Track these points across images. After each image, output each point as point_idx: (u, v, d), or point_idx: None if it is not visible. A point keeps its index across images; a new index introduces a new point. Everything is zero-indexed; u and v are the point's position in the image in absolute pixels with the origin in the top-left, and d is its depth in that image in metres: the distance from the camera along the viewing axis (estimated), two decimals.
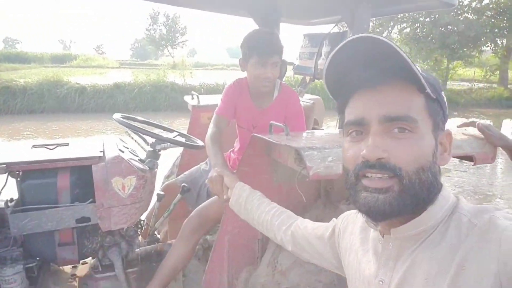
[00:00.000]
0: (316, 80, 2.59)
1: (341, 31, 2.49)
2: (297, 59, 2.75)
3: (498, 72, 22.69)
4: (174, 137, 2.22)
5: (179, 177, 2.47)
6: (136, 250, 2.13)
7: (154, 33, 46.02)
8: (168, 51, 45.96)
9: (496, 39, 20.88)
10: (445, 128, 0.78)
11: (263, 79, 2.00)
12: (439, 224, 0.72)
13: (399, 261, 0.76)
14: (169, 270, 1.99)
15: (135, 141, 2.31)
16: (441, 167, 0.78)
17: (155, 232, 2.35)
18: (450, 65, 21.46)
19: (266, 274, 1.53)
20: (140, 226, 2.22)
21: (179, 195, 2.26)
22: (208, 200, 2.07)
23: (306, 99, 2.86)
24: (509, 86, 21.47)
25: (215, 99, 2.97)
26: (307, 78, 2.92)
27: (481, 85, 21.95)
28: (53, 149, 1.97)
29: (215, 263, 1.84)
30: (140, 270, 2.15)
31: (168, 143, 2.10)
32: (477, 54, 21.19)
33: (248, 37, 2.03)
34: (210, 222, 2.03)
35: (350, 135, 0.76)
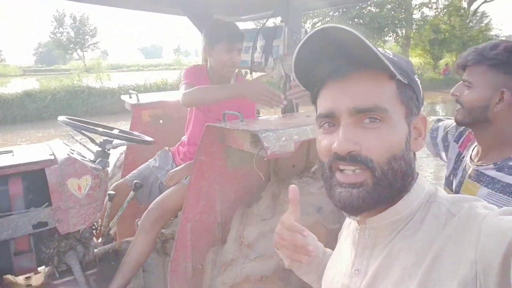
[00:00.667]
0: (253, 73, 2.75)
1: (272, 25, 2.67)
2: None
3: None
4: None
5: (127, 176, 2.48)
6: (95, 251, 2.12)
7: (61, 36, 42.99)
8: (78, 54, 43.24)
9: (397, 29, 22.97)
10: (420, 112, 0.77)
11: (230, 64, 2.15)
12: (415, 213, 0.72)
13: (375, 250, 0.76)
14: (132, 265, 2.02)
15: (80, 143, 2.28)
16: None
17: (110, 232, 2.35)
18: None
19: (234, 250, 1.66)
20: (94, 227, 2.21)
21: (132, 192, 2.29)
22: (165, 193, 2.13)
23: None
24: None
25: (155, 97, 3.02)
26: (243, 71, 3.08)
27: None
28: None
29: (179, 251, 1.92)
30: (99, 270, 2.15)
31: (119, 141, 2.12)
32: (381, 44, 23.16)
33: (213, 26, 2.18)
34: (169, 213, 2.10)
35: (323, 127, 0.75)
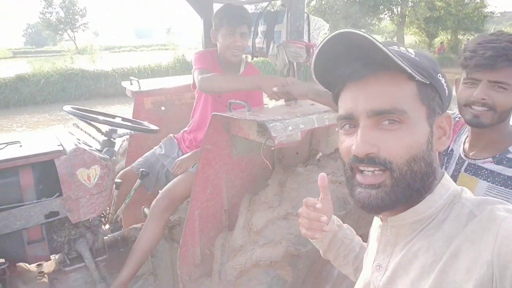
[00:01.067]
0: (254, 58, 2.75)
1: (274, 9, 2.66)
2: None
3: (395, 38, 24.85)
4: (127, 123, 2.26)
5: (134, 163, 2.51)
6: (105, 238, 2.17)
7: (50, 16, 42.05)
8: (69, 35, 42.42)
9: (392, 7, 22.73)
10: (445, 111, 0.76)
11: (233, 48, 2.18)
12: (438, 213, 0.72)
13: (396, 248, 0.77)
14: (142, 252, 2.07)
15: (85, 132, 2.30)
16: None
17: (117, 220, 2.39)
18: None
19: (243, 236, 1.71)
20: (103, 215, 2.25)
21: (138, 180, 2.32)
22: (173, 181, 2.17)
23: None
24: None
25: (156, 83, 3.02)
26: (244, 57, 3.08)
27: None
28: (3, 148, 1.91)
29: (188, 237, 1.97)
30: (108, 257, 2.20)
31: (124, 131, 2.14)
32: (377, 22, 22.98)
33: (219, 10, 2.21)
34: (178, 201, 2.15)
35: (344, 127, 0.76)
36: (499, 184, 1.23)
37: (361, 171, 0.73)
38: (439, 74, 0.73)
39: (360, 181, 0.73)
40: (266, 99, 2.17)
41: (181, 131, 2.58)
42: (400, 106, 0.69)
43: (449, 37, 24.73)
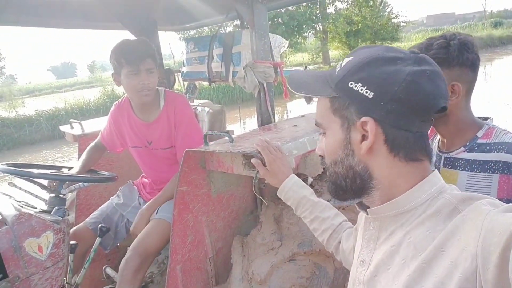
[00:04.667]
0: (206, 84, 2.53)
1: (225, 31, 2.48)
2: (184, 66, 2.65)
3: (321, 53, 25.98)
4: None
5: (87, 219, 2.14)
6: None
7: None
8: None
9: (314, 25, 23.79)
10: (369, 115, 0.73)
11: (140, 89, 1.87)
12: (419, 208, 0.73)
13: (379, 242, 0.79)
14: None
15: (25, 190, 1.92)
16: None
17: None
18: (282, 54, 23.65)
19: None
20: (62, 287, 1.86)
21: (98, 239, 1.97)
22: (142, 234, 1.84)
23: (200, 105, 2.78)
24: (332, 63, 24.76)
25: (99, 124, 2.68)
26: (196, 84, 2.85)
27: (310, 67, 24.81)
28: None
29: None
30: None
31: (78, 184, 1.80)
32: (302, 41, 23.85)
33: (114, 48, 1.88)
34: (151, 256, 1.82)
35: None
36: (477, 171, 1.26)
37: None
38: (351, 82, 0.74)
39: None
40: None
41: (140, 176, 2.28)
42: (319, 120, 0.83)
43: None
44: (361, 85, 0.73)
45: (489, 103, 10.18)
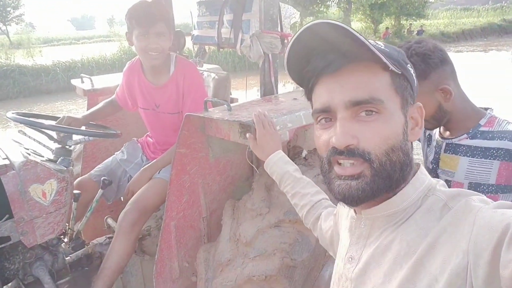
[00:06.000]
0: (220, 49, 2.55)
1: None
2: (194, 29, 2.66)
3: None
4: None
5: (92, 171, 2.24)
6: (66, 258, 1.92)
7: None
8: (1, 29, 39.30)
9: None
10: (415, 102, 0.77)
11: (149, 51, 1.90)
12: (412, 206, 0.72)
13: (370, 239, 0.77)
14: (112, 271, 1.85)
15: (34, 139, 2.01)
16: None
17: (79, 236, 2.13)
18: (303, 22, 23.10)
19: (230, 249, 1.54)
20: (63, 232, 1.99)
21: (100, 190, 2.07)
22: (142, 190, 1.94)
23: (207, 69, 2.81)
24: None
25: (110, 80, 2.73)
26: (206, 48, 2.86)
27: None
28: None
29: (164, 251, 1.79)
30: (72, 279, 1.95)
31: (81, 136, 1.89)
32: (324, 10, 23.21)
33: (129, 9, 1.90)
34: (149, 212, 1.93)
35: (320, 122, 0.76)
36: (478, 157, 1.31)
37: (339, 164, 0.72)
38: (409, 65, 0.74)
39: (339, 173, 0.72)
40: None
41: (145, 135, 2.35)
42: (377, 96, 0.69)
43: (393, 23, 25.53)
44: (413, 71, 0.75)
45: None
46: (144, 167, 2.06)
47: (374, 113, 0.69)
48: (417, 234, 0.68)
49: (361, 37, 0.64)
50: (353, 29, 0.65)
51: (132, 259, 2.14)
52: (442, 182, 0.75)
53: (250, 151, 1.55)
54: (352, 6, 24.40)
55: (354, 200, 0.71)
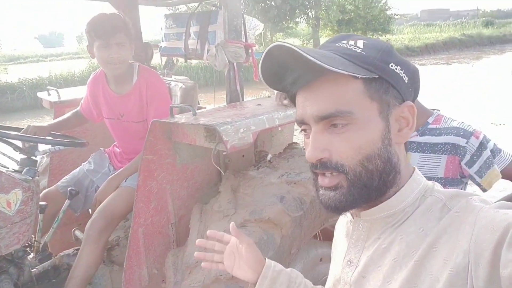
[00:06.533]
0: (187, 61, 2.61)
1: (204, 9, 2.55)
2: (162, 41, 2.71)
3: (312, 40, 26.01)
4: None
5: (59, 182, 2.23)
6: (33, 270, 1.89)
7: None
8: None
9: (307, 11, 23.69)
10: (405, 100, 0.73)
11: (110, 61, 1.96)
12: (410, 207, 0.72)
13: (368, 242, 0.76)
14: (80, 280, 1.84)
15: None
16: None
17: (46, 248, 2.10)
18: (273, 38, 23.51)
19: (198, 251, 1.57)
20: (28, 244, 1.96)
21: (67, 201, 2.07)
22: (109, 198, 1.95)
23: (174, 78, 2.86)
24: None
25: (76, 93, 2.74)
26: (174, 59, 2.92)
27: None
28: None
29: (132, 258, 1.79)
30: None
31: (47, 146, 1.89)
32: (294, 26, 23.80)
33: (88, 22, 1.96)
34: (116, 220, 1.94)
35: (302, 132, 0.76)
36: (428, 152, 1.41)
37: (322, 174, 0.72)
38: (391, 64, 0.70)
39: (320, 184, 0.73)
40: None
41: (112, 145, 2.37)
42: (344, 108, 0.67)
43: None
44: (399, 68, 0.71)
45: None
46: (111, 176, 2.07)
47: (345, 125, 0.68)
48: (416, 235, 0.68)
49: (312, 58, 0.62)
50: (303, 50, 0.64)
51: (101, 270, 2.13)
52: (437, 183, 0.76)
53: (215, 153, 1.60)
54: (321, 22, 25.11)
55: (333, 209, 0.72)
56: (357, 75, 0.65)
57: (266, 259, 1.03)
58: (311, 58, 0.62)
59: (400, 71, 0.71)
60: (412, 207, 0.72)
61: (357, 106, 0.67)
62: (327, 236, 2.30)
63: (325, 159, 0.69)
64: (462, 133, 1.39)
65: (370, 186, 0.69)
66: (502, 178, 1.42)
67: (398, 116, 0.72)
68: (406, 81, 0.72)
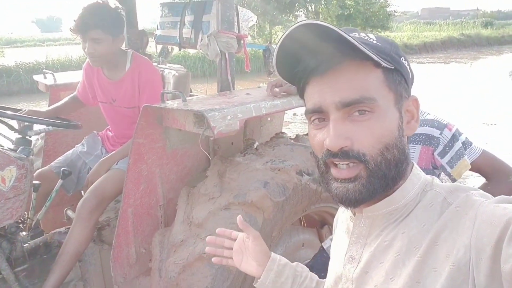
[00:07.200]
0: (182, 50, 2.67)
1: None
2: (157, 29, 2.76)
3: None
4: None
5: (53, 163, 2.30)
6: (24, 245, 1.96)
7: None
8: None
9: (307, 5, 23.66)
10: (410, 94, 0.76)
11: (87, 55, 2.04)
12: (412, 201, 0.72)
13: (370, 238, 0.76)
14: (70, 256, 1.91)
15: None
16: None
17: (38, 225, 2.17)
18: (272, 30, 23.48)
19: (183, 230, 1.65)
20: (21, 220, 2.03)
21: (60, 181, 2.13)
22: (101, 179, 2.02)
23: (168, 66, 2.91)
24: None
25: (73, 77, 2.79)
26: (169, 48, 2.97)
27: None
28: None
29: (121, 237, 1.86)
30: (29, 266, 1.99)
31: (41, 127, 1.95)
32: (293, 19, 23.76)
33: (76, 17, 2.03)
34: (107, 200, 2.01)
35: (313, 122, 0.74)
36: None
37: (336, 165, 0.71)
38: (402, 58, 0.72)
39: (335, 176, 0.71)
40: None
41: (105, 129, 2.43)
42: (369, 95, 0.67)
43: None
44: (407, 63, 0.73)
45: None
46: (103, 158, 2.14)
47: (367, 112, 0.68)
48: (418, 230, 0.68)
49: (349, 37, 0.63)
50: (340, 29, 0.64)
51: (90, 249, 2.20)
52: (436, 178, 0.76)
53: (205, 140, 1.66)
54: (320, 16, 25.06)
55: (352, 202, 0.70)
56: (383, 63, 0.66)
57: (272, 252, 1.05)
58: (353, 40, 0.63)
59: (407, 66, 0.74)
60: (413, 202, 0.72)
61: (379, 94, 0.68)
62: (311, 223, 2.39)
63: (347, 147, 0.68)
64: (436, 124, 1.48)
65: (388, 176, 0.69)
66: (471, 170, 1.50)
67: (406, 109, 0.74)
68: (411, 77, 0.75)
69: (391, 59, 0.69)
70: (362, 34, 0.71)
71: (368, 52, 0.64)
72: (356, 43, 0.63)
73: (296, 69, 0.75)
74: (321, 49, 0.69)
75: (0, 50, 17.69)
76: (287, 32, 0.69)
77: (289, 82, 0.80)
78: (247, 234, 1.03)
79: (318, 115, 0.72)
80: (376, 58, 0.65)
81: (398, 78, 0.71)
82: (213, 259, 1.11)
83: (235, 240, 1.09)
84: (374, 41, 0.71)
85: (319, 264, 1.72)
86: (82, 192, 2.48)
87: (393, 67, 0.69)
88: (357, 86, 0.67)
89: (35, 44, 35.51)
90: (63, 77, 2.75)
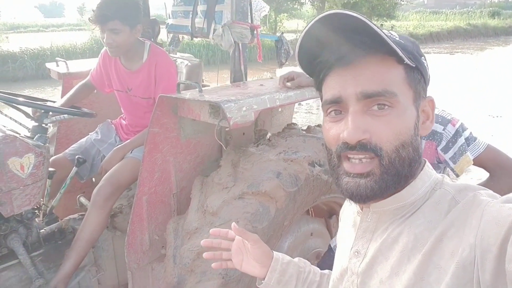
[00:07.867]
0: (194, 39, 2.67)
1: None
2: (169, 18, 2.77)
3: None
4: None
5: (67, 150, 2.34)
6: (40, 231, 2.01)
7: None
8: None
9: None
10: (427, 95, 0.76)
11: (106, 45, 2.07)
12: (420, 199, 0.72)
13: (376, 233, 0.76)
14: (84, 243, 1.96)
15: (10, 118, 2.08)
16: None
17: (53, 211, 2.22)
18: (277, 18, 23.34)
19: (198, 218, 1.69)
20: (37, 207, 2.07)
21: (75, 168, 2.17)
22: (116, 167, 2.06)
23: (180, 56, 2.93)
24: None
25: (86, 65, 2.81)
26: (180, 37, 2.98)
27: None
28: None
29: (135, 224, 1.90)
30: (45, 251, 2.04)
31: (59, 115, 1.98)
32: (298, 7, 23.58)
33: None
34: (122, 188, 2.05)
35: (329, 114, 0.74)
36: None
37: (349, 159, 0.71)
38: (423, 57, 0.73)
39: (348, 170, 0.71)
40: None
41: (119, 117, 2.46)
42: (391, 89, 0.67)
43: None
44: (426, 63, 0.74)
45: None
46: (117, 146, 2.18)
47: (386, 107, 0.68)
48: (424, 227, 0.68)
49: (378, 30, 0.63)
50: (371, 21, 0.64)
51: (104, 235, 2.25)
52: (446, 176, 0.76)
53: (218, 129, 1.69)
54: (326, 4, 24.83)
55: (362, 198, 0.70)
56: (406, 60, 0.66)
57: (274, 252, 1.03)
58: (381, 33, 0.63)
59: (427, 66, 0.74)
60: (421, 200, 0.72)
61: (400, 90, 0.68)
62: (319, 213, 2.43)
63: (366, 140, 0.67)
64: (440, 120, 1.47)
65: (401, 173, 0.69)
66: (475, 165, 1.51)
67: (422, 109, 0.74)
68: (428, 77, 0.75)
69: (413, 57, 0.69)
70: (385, 31, 0.70)
71: (395, 47, 0.64)
72: (385, 37, 0.64)
73: (318, 59, 0.74)
74: (346, 40, 0.68)
75: (5, 36, 17.62)
76: (314, 20, 0.69)
77: (307, 73, 0.80)
78: (246, 239, 1.00)
79: (335, 106, 0.72)
80: (401, 54, 0.65)
81: (418, 76, 0.72)
82: (213, 265, 1.07)
83: (232, 240, 1.05)
84: (397, 38, 0.71)
85: (327, 265, 1.75)
86: (93, 179, 2.53)
87: (414, 65, 0.70)
88: (380, 79, 0.68)
89: (39, 29, 35.32)
90: (74, 66, 2.77)
